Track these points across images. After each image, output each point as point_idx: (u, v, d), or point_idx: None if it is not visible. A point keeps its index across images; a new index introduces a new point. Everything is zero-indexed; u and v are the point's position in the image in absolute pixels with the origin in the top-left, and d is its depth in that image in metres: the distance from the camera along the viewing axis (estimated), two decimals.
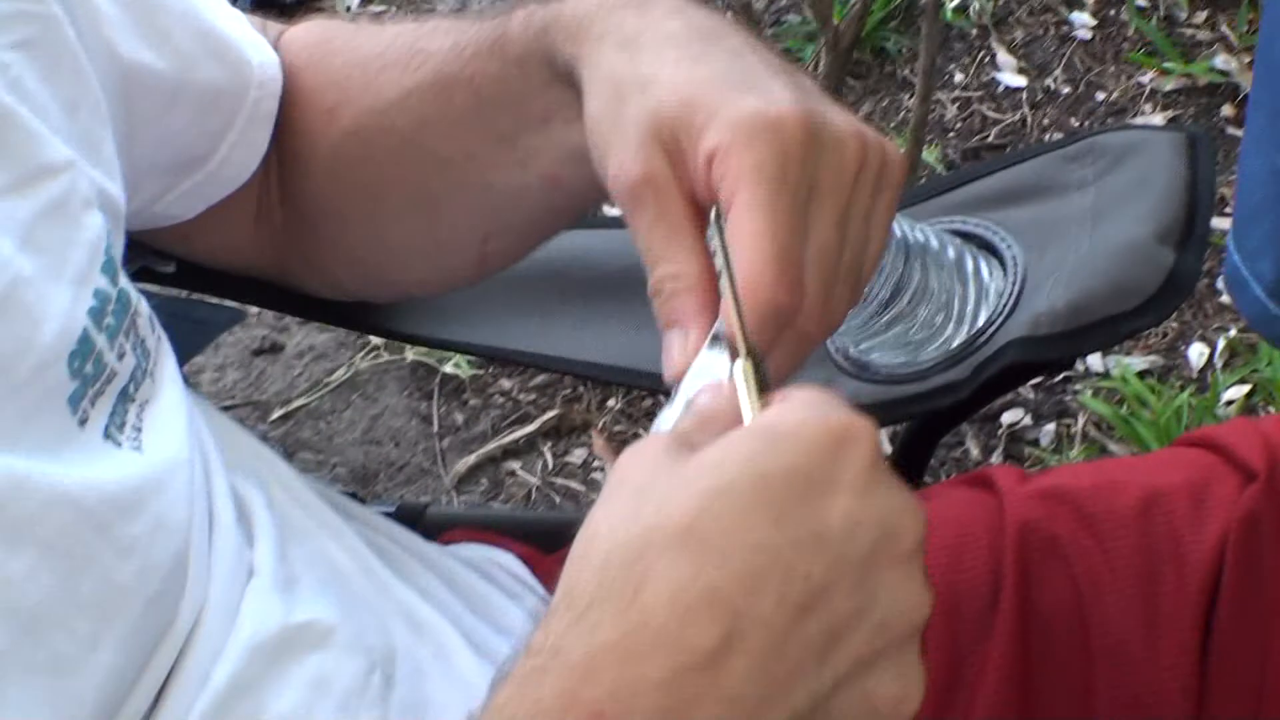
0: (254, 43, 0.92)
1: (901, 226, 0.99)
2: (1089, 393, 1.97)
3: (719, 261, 0.65)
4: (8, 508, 0.64)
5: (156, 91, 0.86)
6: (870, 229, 0.72)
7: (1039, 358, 0.96)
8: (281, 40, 0.96)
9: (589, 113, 0.75)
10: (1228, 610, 0.88)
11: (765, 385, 0.62)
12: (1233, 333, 2.01)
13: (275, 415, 2.08)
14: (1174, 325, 2.03)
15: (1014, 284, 1.02)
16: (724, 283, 0.65)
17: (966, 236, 1.07)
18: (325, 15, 2.52)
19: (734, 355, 0.64)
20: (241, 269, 1.00)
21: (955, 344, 0.99)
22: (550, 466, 2.00)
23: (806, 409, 0.59)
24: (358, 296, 1.02)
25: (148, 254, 0.96)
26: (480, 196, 0.89)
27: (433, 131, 0.88)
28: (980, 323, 1.00)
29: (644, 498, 0.58)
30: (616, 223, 1.08)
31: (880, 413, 0.98)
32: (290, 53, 0.95)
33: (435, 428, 2.05)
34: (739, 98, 0.69)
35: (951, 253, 0.99)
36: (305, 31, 0.97)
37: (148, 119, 0.85)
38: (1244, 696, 0.88)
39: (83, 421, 0.69)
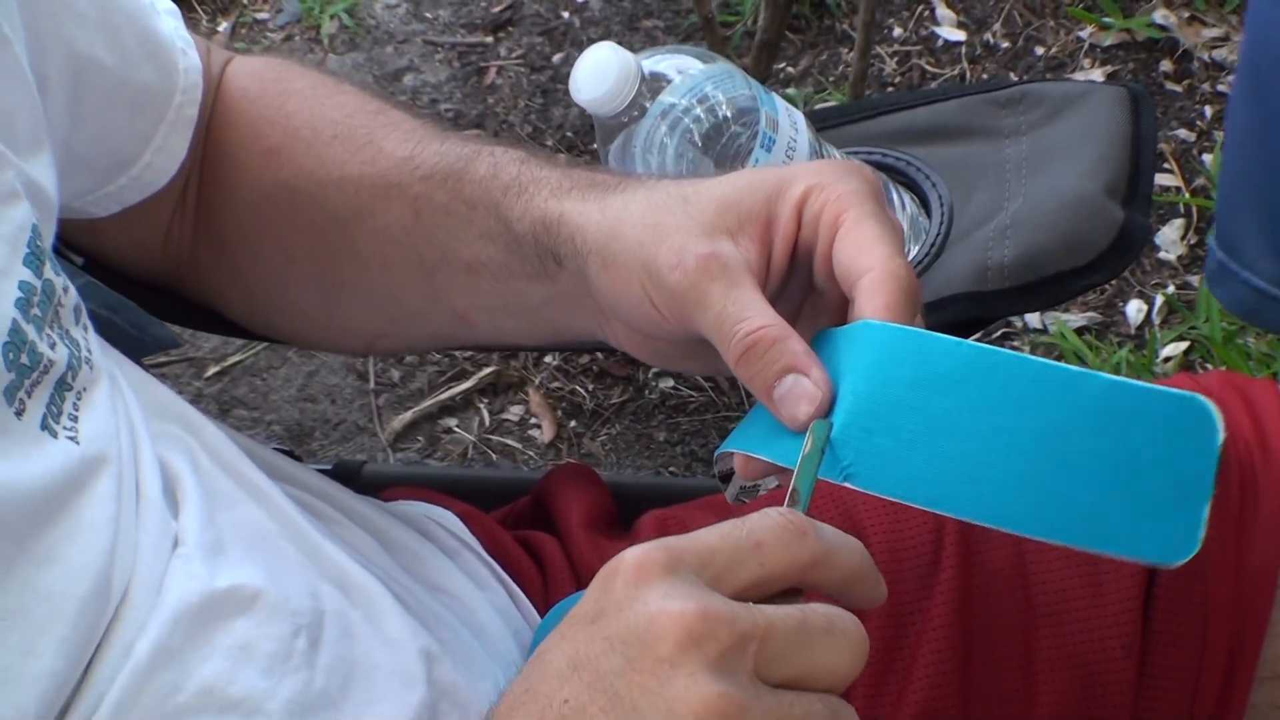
0: (183, 44, 0.91)
1: (829, 151, 0.98)
2: (1027, 349, 1.97)
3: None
4: None
5: (101, 88, 0.86)
6: None
7: (989, 314, 0.95)
8: (232, 64, 0.97)
9: (610, 250, 0.79)
10: None
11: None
12: (1170, 289, 2.01)
13: (210, 372, 2.06)
14: (1112, 282, 2.03)
15: (941, 223, 1.01)
16: None
17: (886, 169, 1.06)
18: None
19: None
20: (145, 272, 1.00)
21: None
22: (487, 424, 1.99)
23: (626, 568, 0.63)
24: (244, 325, 1.03)
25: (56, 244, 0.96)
26: (384, 302, 0.92)
27: (361, 228, 0.90)
28: (910, 258, 0.98)
29: None
30: None
31: None
32: (240, 77, 0.95)
33: (371, 385, 2.03)
34: (800, 169, 0.77)
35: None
36: (262, 64, 0.97)
37: (88, 115, 0.85)
38: (1186, 651, 0.88)
39: (19, 413, 0.69)
